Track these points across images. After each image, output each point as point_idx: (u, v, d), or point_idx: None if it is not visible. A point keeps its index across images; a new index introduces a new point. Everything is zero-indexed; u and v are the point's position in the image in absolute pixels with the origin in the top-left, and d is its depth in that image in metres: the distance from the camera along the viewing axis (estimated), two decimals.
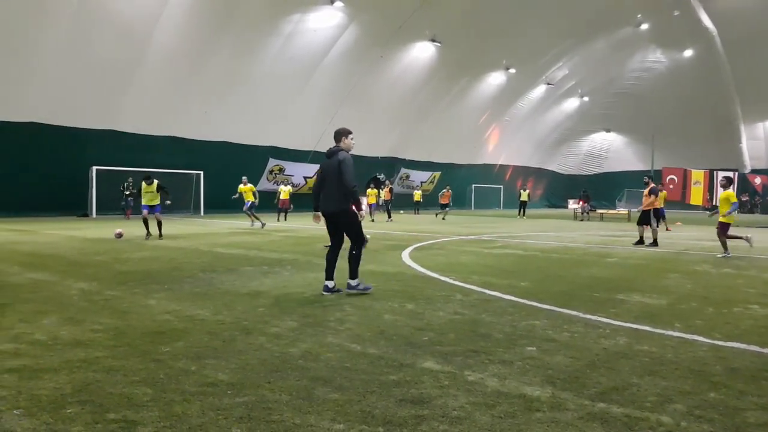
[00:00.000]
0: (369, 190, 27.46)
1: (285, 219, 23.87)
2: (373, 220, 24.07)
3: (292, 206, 25.06)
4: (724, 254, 11.40)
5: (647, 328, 5.25)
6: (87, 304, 6.03)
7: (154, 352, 4.28)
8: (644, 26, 39.09)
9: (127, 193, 24.78)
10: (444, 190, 29.52)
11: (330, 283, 6.79)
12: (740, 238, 11.94)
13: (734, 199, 11.64)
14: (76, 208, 24.58)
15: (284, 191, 24.76)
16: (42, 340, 4.57)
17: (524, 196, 31.66)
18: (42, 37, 20.90)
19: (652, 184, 14.32)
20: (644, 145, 49.07)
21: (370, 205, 26.33)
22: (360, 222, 6.95)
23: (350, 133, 7.60)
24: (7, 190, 22.29)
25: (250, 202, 19.45)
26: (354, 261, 6.80)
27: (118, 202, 25.17)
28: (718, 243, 11.81)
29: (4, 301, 6.08)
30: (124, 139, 25.31)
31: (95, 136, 24.51)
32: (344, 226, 6.87)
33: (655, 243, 13.75)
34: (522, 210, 31.18)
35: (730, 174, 33.26)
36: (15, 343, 4.47)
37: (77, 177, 24.48)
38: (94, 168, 24.82)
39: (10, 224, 14.86)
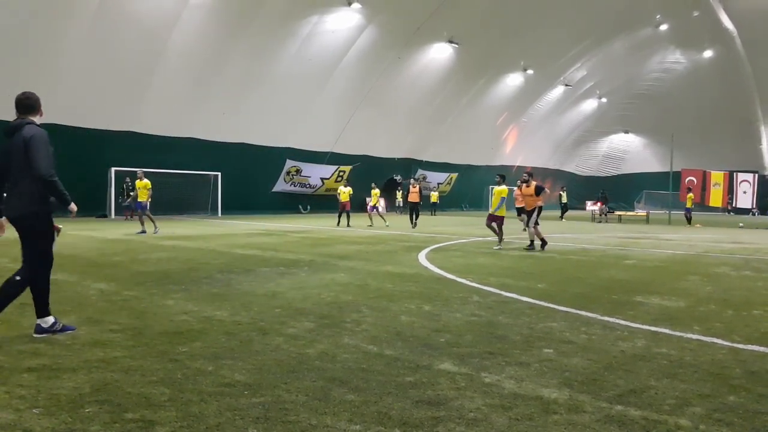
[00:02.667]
0: (373, 191, 23.75)
1: (348, 224, 20.59)
2: (370, 225, 20.91)
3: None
4: None
5: (666, 331, 5.18)
6: (105, 304, 6.09)
7: (172, 352, 4.31)
8: (663, 27, 38.68)
9: (133, 194, 24.99)
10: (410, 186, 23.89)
11: (45, 321, 4.73)
12: None
13: None
14: (95, 209, 24.90)
15: (344, 193, 21.37)
16: (61, 339, 4.62)
17: (564, 198, 30.77)
18: (63, 40, 21.22)
19: (534, 182, 13.14)
20: (663, 146, 48.45)
21: (371, 208, 23.21)
22: (54, 235, 4.84)
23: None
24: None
25: (142, 203, 16.49)
26: (38, 292, 4.72)
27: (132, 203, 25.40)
28: (738, 245, 11.62)
29: (24, 301, 6.15)
30: (143, 141, 25.59)
31: (115, 137, 24.83)
32: (28, 236, 4.65)
33: (544, 243, 12.63)
34: (562, 213, 30.16)
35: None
36: (34, 342, 4.53)
37: (96, 178, 24.82)
38: (113, 169, 25.14)
39: (132, 222, 15.19)
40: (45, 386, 3.53)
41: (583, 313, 5.90)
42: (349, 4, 26.90)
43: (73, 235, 15.28)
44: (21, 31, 20.14)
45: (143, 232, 16.03)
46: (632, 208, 46.50)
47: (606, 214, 30.52)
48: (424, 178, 40.68)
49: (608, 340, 4.85)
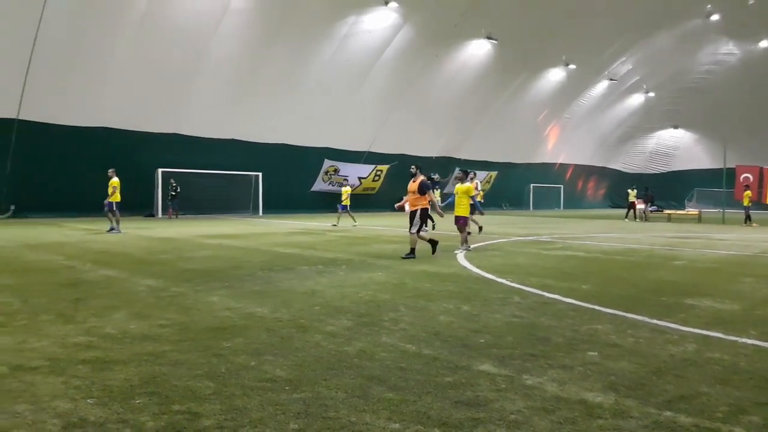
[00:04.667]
0: (344, 189, 21.67)
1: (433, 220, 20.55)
2: (335, 224, 20.35)
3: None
4: None
5: (719, 335, 5.00)
6: (154, 300, 6.28)
7: (216, 347, 4.41)
8: (715, 17, 37.24)
9: (173, 194, 25.67)
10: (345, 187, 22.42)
11: None
12: None
13: None
14: (143, 208, 25.68)
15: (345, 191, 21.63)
16: (113, 333, 4.79)
17: (632, 196, 29.06)
18: (111, 48, 21.96)
19: (422, 177, 11.01)
20: (716, 142, 46.82)
21: (342, 207, 21.06)
22: None
23: None
24: (80, 191, 23.52)
25: (112, 203, 16.22)
26: None
27: (177, 202, 26.10)
28: None
29: (79, 296, 6.41)
30: (187, 143, 26.25)
31: (160, 139, 25.55)
32: None
33: (414, 255, 10.47)
34: (629, 211, 28.95)
35: None
36: (88, 336, 4.70)
37: (144, 179, 25.58)
38: (160, 170, 25.87)
39: (83, 224, 15.73)
40: (98, 377, 3.67)
41: (630, 315, 5.75)
42: (386, 3, 26.92)
43: (123, 233, 15.78)
44: (74, 42, 20.98)
45: (112, 229, 15.97)
46: (682, 207, 45.09)
47: (645, 214, 29.25)
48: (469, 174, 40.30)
49: (657, 343, 4.71)
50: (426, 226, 13.94)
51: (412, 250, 10.60)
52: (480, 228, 17.45)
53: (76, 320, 5.25)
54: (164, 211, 26.04)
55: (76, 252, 10.95)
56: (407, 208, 11.23)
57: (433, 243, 10.95)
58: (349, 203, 20.97)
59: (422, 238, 10.82)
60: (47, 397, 3.32)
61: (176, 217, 25.21)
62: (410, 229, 10.71)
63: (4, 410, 3.11)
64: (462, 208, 11.91)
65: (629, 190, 29.63)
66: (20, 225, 18.89)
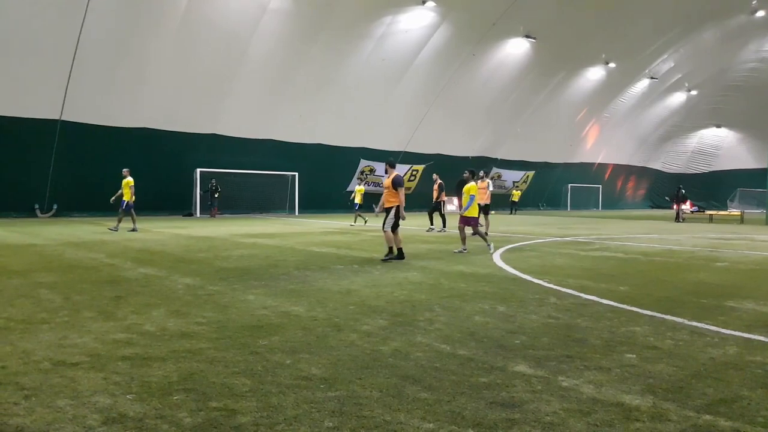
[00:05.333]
0: (357, 188, 21.90)
1: (354, 222, 21.32)
2: (363, 221, 20.62)
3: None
4: None
5: (761, 338, 4.84)
6: (191, 298, 6.40)
7: (253, 345, 4.48)
8: (760, 13, 36.00)
9: (216, 194, 26.18)
10: (359, 186, 22.65)
11: None
12: None
13: None
14: (182, 207, 26.25)
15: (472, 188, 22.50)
16: (151, 330, 4.91)
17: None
18: (151, 49, 22.47)
19: (395, 172, 10.44)
20: (760, 141, 45.28)
21: (357, 206, 21.16)
22: None
23: None
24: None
25: (126, 202, 16.14)
26: None
27: (218, 201, 26.63)
28: None
29: (119, 294, 6.59)
30: (225, 143, 26.71)
31: (199, 140, 26.04)
32: None
33: (399, 254, 10.07)
34: (677, 214, 28.35)
35: None
36: (128, 333, 4.83)
37: (183, 179, 26.15)
38: (198, 170, 26.39)
39: (124, 222, 16.20)
40: (137, 374, 3.76)
41: (669, 317, 5.62)
42: (423, 2, 26.84)
43: (162, 232, 16.16)
44: (116, 44, 21.54)
45: (126, 229, 15.93)
46: (725, 207, 43.72)
47: (682, 213, 28.39)
48: (499, 176, 40.00)
49: (696, 346, 4.60)
50: (444, 227, 13.74)
51: (391, 250, 10.06)
52: (441, 228, 17.50)
53: (117, 317, 5.40)
54: (204, 210, 26.53)
55: (117, 250, 11.25)
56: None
57: (400, 253, 10.06)
58: (361, 202, 21.20)
59: (389, 239, 10.08)
60: (88, 392, 3.42)
61: (217, 216, 25.74)
62: (383, 226, 10.15)
63: (47, 405, 3.22)
64: (471, 209, 11.75)
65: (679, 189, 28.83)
66: (63, 224, 19.50)
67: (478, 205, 15.20)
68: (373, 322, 5.30)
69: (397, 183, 10.16)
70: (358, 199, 21.29)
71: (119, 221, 16.31)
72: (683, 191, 29.70)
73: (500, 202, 35.71)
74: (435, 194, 18.56)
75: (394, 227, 10.13)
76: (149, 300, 6.24)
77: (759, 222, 25.98)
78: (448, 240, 14.69)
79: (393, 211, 10.12)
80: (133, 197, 16.20)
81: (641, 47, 36.90)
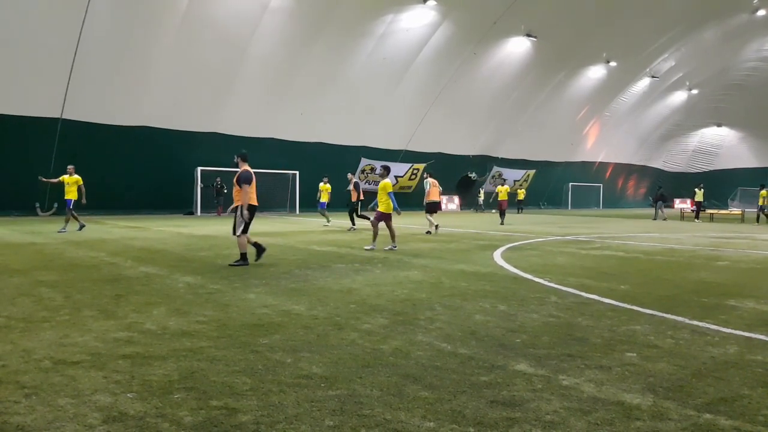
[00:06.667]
0: (322, 186, 20.15)
1: (502, 222, 21.82)
2: (326, 220, 19.49)
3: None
4: None
5: (762, 337, 4.84)
6: (192, 296, 6.41)
7: (253, 343, 4.48)
8: (761, 12, 35.97)
9: (221, 191, 26.23)
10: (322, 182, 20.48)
11: None
12: None
13: None
14: (183, 206, 26.25)
15: (502, 191, 22.87)
16: (152, 329, 4.91)
17: (699, 196, 28.25)
18: (152, 48, 22.47)
19: (245, 166, 9.45)
20: (761, 140, 45.32)
21: (322, 204, 19.99)
22: None
23: None
24: (122, 189, 24.20)
25: (72, 201, 15.25)
26: None
27: (223, 200, 26.66)
28: None
29: (120, 293, 6.59)
30: (225, 141, 26.67)
31: (200, 138, 26.03)
32: None
33: (242, 259, 9.01)
34: (697, 212, 28.24)
35: None
36: (128, 331, 4.83)
37: (184, 177, 26.15)
38: (199, 169, 26.39)
39: (125, 221, 16.15)
40: (138, 372, 3.76)
41: (670, 316, 5.62)
42: (424, 1, 26.83)
43: (162, 231, 16.16)
44: (117, 43, 21.53)
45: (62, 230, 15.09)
46: (726, 206, 43.71)
47: (661, 210, 28.41)
48: (500, 175, 39.99)
49: (697, 345, 4.59)
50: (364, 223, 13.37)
51: (242, 256, 9.00)
52: (352, 227, 17.42)
53: (117, 316, 5.40)
54: (206, 208, 26.53)
55: (118, 249, 11.25)
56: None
57: (243, 258, 9.04)
58: (327, 200, 20.14)
59: (242, 245, 9.03)
60: (88, 390, 3.42)
61: (222, 215, 25.80)
62: (234, 231, 9.12)
63: (47, 403, 3.22)
64: (385, 205, 11.69)
65: (696, 190, 28.46)
66: (63, 222, 19.47)
67: (431, 203, 15.72)
68: (373, 320, 5.30)
69: (240, 179, 9.05)
70: (324, 198, 20.00)
71: (66, 221, 15.47)
72: (662, 191, 29.86)
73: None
74: (353, 194, 17.89)
75: (246, 229, 9.10)
76: (150, 299, 6.24)
77: (760, 221, 25.96)
78: (449, 239, 14.69)
79: (239, 212, 9.07)
80: (80, 199, 15.27)
81: (642, 46, 36.88)
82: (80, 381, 3.58)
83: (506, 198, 22.80)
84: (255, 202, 9.25)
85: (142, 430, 2.89)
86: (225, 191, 26.28)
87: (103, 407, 3.16)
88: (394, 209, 11.80)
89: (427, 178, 17.64)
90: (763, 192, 25.25)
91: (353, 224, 17.80)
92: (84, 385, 3.51)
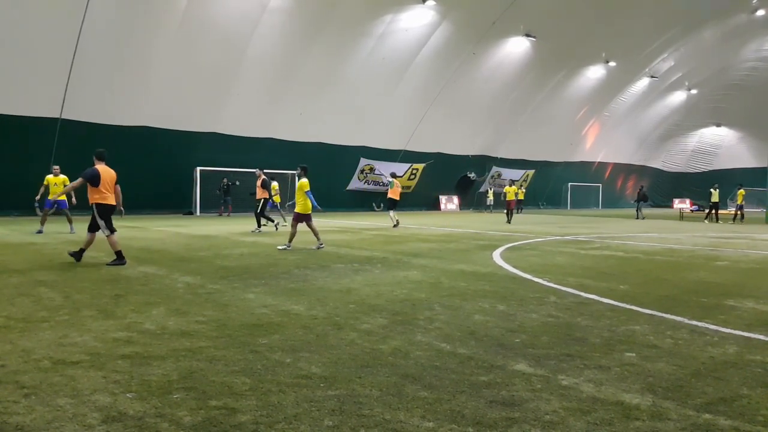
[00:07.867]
0: (272, 184, 18.85)
1: (509, 221, 22.13)
2: (278, 226, 17.40)
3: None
4: None
5: (761, 337, 4.85)
6: (191, 296, 6.40)
7: (253, 343, 4.48)
8: (761, 12, 36.00)
9: (228, 190, 26.32)
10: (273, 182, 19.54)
11: None
12: None
13: None
14: (182, 206, 26.24)
15: (510, 191, 23.12)
16: (151, 329, 4.91)
17: (715, 196, 27.31)
18: (151, 48, 22.43)
19: (102, 163, 9.48)
20: (760, 140, 45.31)
21: (269, 204, 18.02)
22: None
23: None
24: (121, 189, 24.13)
25: (65, 202, 14.86)
26: None
27: (218, 200, 26.65)
28: None
29: (119, 293, 6.59)
30: (225, 141, 26.69)
31: (200, 138, 26.01)
32: None
33: (118, 258, 8.88)
34: (711, 212, 27.62)
35: None
36: (128, 331, 4.83)
37: (183, 177, 26.13)
38: (198, 169, 26.38)
39: (124, 221, 16.13)
40: (137, 372, 3.76)
41: (669, 316, 5.62)
42: (423, 1, 26.83)
43: (162, 231, 16.16)
44: (116, 42, 21.49)
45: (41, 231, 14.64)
46: (725, 206, 43.71)
47: (641, 210, 28.75)
48: (499, 175, 40.01)
49: (696, 345, 4.60)
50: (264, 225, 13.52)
51: (119, 255, 8.89)
52: (276, 226, 17.05)
53: (116, 316, 5.40)
54: (205, 208, 26.53)
55: None
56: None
57: (80, 252, 9.05)
58: (279, 200, 19.59)
59: (113, 245, 8.91)
60: (88, 390, 3.42)
61: (228, 215, 25.86)
62: (102, 231, 8.98)
63: (47, 403, 3.22)
64: (304, 206, 11.64)
65: (711, 190, 27.83)
66: (62, 222, 19.41)
67: (391, 200, 15.99)
68: (373, 320, 5.30)
69: (84, 177, 8.96)
70: (275, 198, 19.18)
71: (43, 223, 15.07)
72: (644, 191, 30.09)
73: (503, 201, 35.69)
74: (258, 192, 17.09)
75: (112, 229, 9.07)
76: (149, 299, 6.24)
77: (759, 221, 25.98)
78: (448, 239, 14.69)
79: (95, 212, 9.01)
80: (69, 199, 14.84)
81: (641, 46, 36.90)
82: (79, 381, 3.58)
83: (514, 198, 23.19)
84: (109, 202, 9.28)
85: (142, 430, 2.89)
86: (236, 184, 26.15)
87: (103, 407, 3.16)
88: (314, 208, 11.74)
89: (393, 179, 18.87)
90: (741, 191, 25.63)
91: (258, 226, 16.60)
92: (83, 385, 3.51)
